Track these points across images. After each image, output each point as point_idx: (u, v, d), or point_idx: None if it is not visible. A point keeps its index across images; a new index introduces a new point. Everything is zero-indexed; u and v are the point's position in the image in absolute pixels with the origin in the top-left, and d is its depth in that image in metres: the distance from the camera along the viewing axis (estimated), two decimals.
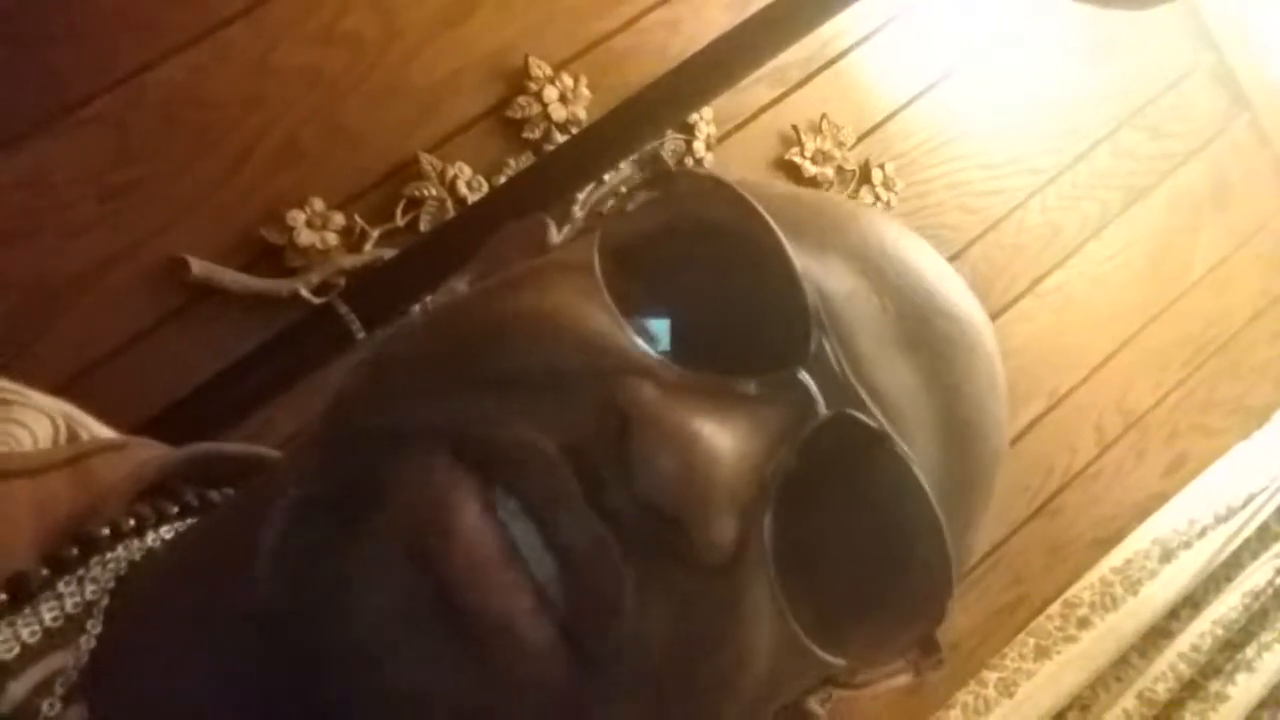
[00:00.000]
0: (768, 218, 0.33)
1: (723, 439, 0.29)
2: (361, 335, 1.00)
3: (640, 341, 0.31)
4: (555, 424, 0.30)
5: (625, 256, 0.34)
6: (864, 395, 0.32)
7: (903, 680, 0.37)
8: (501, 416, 0.30)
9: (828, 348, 0.32)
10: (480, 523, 0.28)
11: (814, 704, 0.40)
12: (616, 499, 0.29)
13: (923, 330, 0.35)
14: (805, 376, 0.31)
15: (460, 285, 0.43)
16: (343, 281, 1.17)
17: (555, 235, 0.44)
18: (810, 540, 0.32)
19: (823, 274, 0.34)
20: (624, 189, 1.31)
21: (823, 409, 0.31)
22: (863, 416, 0.32)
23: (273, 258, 1.16)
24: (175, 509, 0.40)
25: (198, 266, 1.11)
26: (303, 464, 0.33)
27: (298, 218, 1.16)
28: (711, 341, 0.33)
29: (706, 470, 0.29)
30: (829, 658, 0.32)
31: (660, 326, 0.33)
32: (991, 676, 1.53)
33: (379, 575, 0.28)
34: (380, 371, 0.35)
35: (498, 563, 0.28)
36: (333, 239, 1.18)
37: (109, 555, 0.37)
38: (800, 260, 0.33)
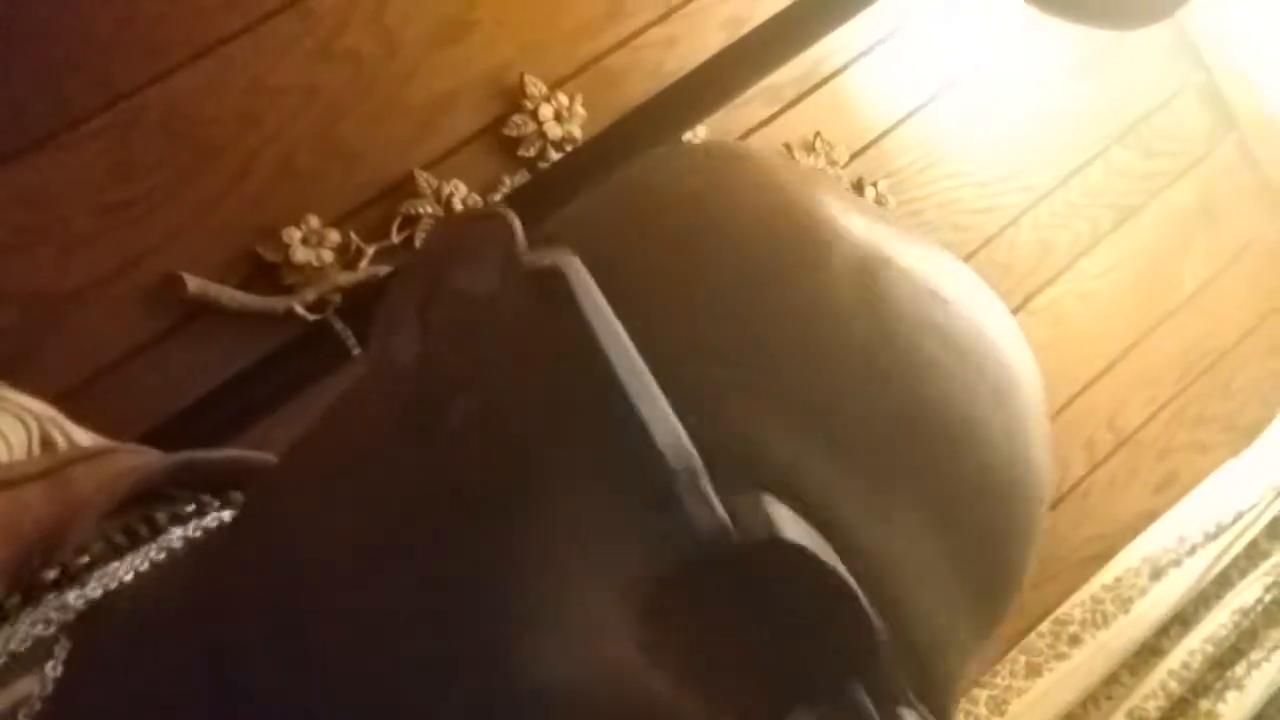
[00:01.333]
0: (858, 591, 0.27)
1: None
2: (358, 352, 1.01)
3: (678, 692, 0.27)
4: None
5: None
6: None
7: None
8: None
9: (899, 685, 0.27)
10: None
11: None
12: None
13: (990, 566, 0.30)
14: (861, 693, 0.27)
15: (405, 303, 0.32)
16: (338, 299, 1.17)
17: (522, 238, 0.33)
18: None
19: (886, 538, 0.28)
20: None
21: None
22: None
23: (268, 275, 1.17)
24: (145, 530, 0.39)
25: (193, 284, 1.11)
26: None
27: (293, 235, 1.17)
28: (769, 679, 0.28)
29: None
30: None
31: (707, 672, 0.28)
32: (982, 694, 1.53)
33: None
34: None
35: None
36: (328, 256, 1.18)
37: (77, 586, 0.36)
38: (860, 530, 0.27)
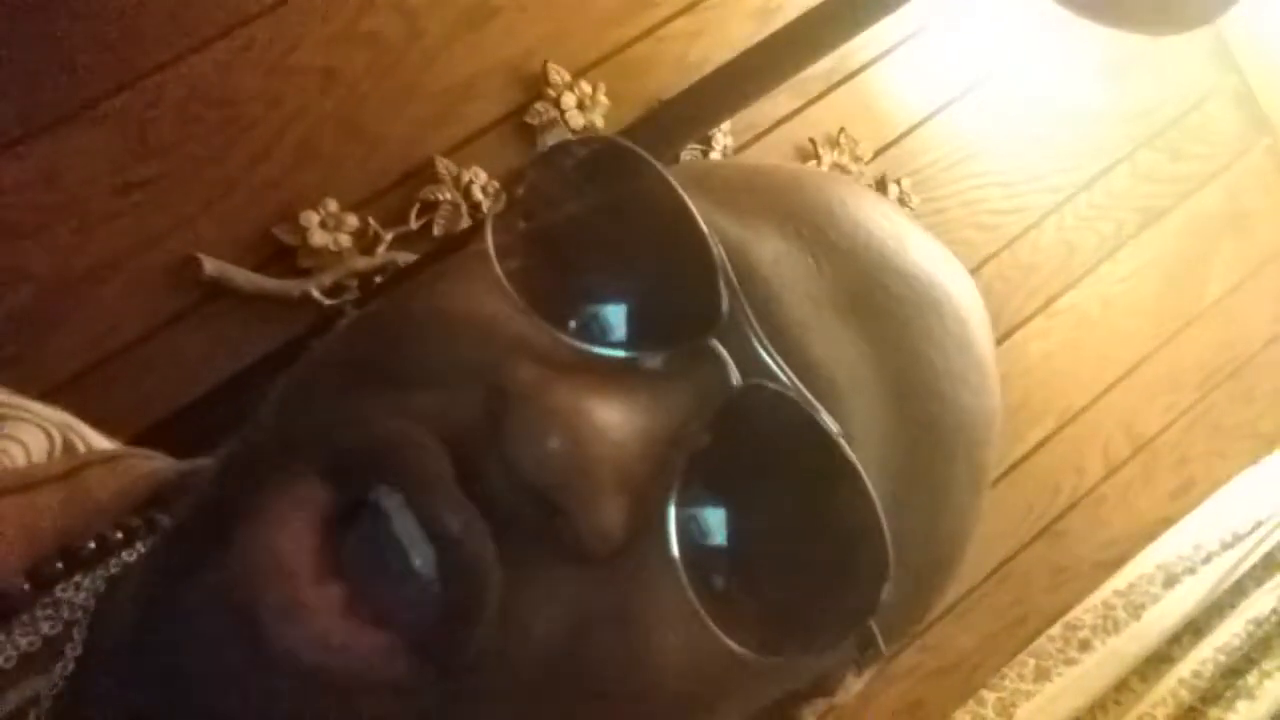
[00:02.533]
0: (664, 171, 0.31)
1: (613, 414, 0.27)
2: None
3: (539, 323, 0.29)
4: (439, 415, 0.28)
5: (527, 235, 0.31)
6: (778, 364, 0.29)
7: (851, 681, 0.35)
8: (383, 415, 0.28)
9: (743, 311, 0.29)
10: (304, 529, 0.26)
11: (807, 715, 0.37)
12: (496, 486, 0.27)
13: (869, 291, 0.32)
14: (717, 346, 0.29)
15: None
16: (355, 284, 1.17)
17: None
18: (725, 523, 0.30)
19: (750, 239, 0.31)
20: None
21: (735, 381, 0.29)
22: (780, 387, 0.29)
23: (285, 258, 1.16)
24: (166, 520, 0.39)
25: (210, 265, 1.11)
26: (200, 481, 0.32)
27: (311, 219, 1.16)
28: (617, 314, 0.31)
29: (591, 447, 0.26)
30: (753, 656, 0.29)
31: (560, 303, 0.30)
32: (990, 697, 1.52)
33: (201, 613, 0.26)
34: (282, 384, 0.33)
35: (314, 569, 0.26)
36: (346, 241, 1.18)
37: (90, 574, 0.36)
38: (723, 226, 0.31)
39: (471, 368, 0.29)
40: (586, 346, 0.29)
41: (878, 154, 1.50)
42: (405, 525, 0.26)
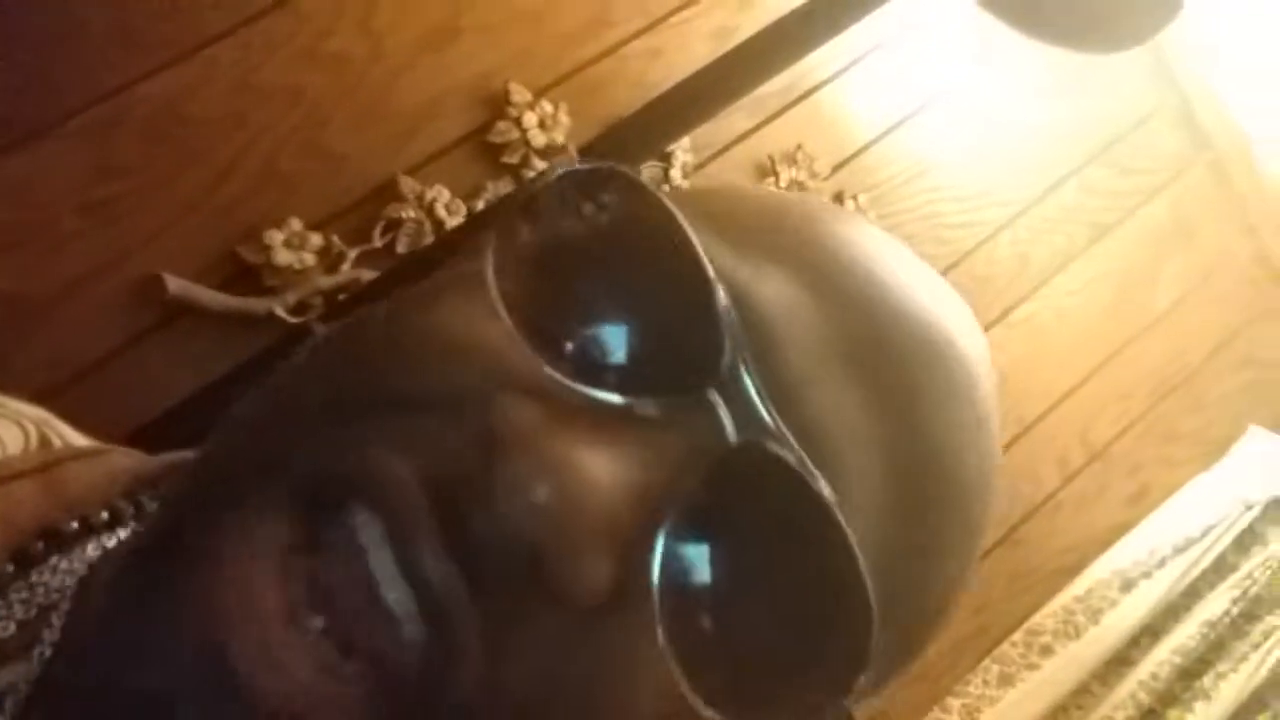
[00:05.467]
0: (673, 209, 0.29)
1: (603, 466, 0.26)
2: None
3: (533, 357, 0.28)
4: (423, 449, 0.27)
5: (529, 261, 0.30)
6: (776, 423, 0.28)
7: None
8: (362, 444, 0.27)
9: (742, 365, 0.28)
10: (274, 568, 0.25)
11: None
12: (479, 533, 0.26)
13: (876, 344, 0.31)
14: (715, 398, 0.28)
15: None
16: (320, 302, 1.17)
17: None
18: (710, 582, 0.28)
19: (755, 280, 0.30)
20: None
21: (731, 437, 0.28)
22: (774, 448, 0.28)
23: (250, 277, 1.16)
24: (131, 510, 0.38)
25: (174, 284, 1.11)
26: (166, 495, 0.31)
27: (275, 237, 1.16)
28: (614, 354, 0.29)
29: (579, 500, 0.26)
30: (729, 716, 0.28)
31: (556, 337, 0.29)
32: (955, 703, 1.54)
33: (169, 630, 0.26)
34: (253, 402, 0.31)
35: (280, 611, 0.25)
36: (310, 259, 1.18)
37: (70, 557, 0.35)
38: (725, 264, 0.29)
39: (461, 396, 0.28)
40: (583, 389, 0.28)
41: (835, 170, 1.53)
42: (382, 562, 0.26)
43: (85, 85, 1.09)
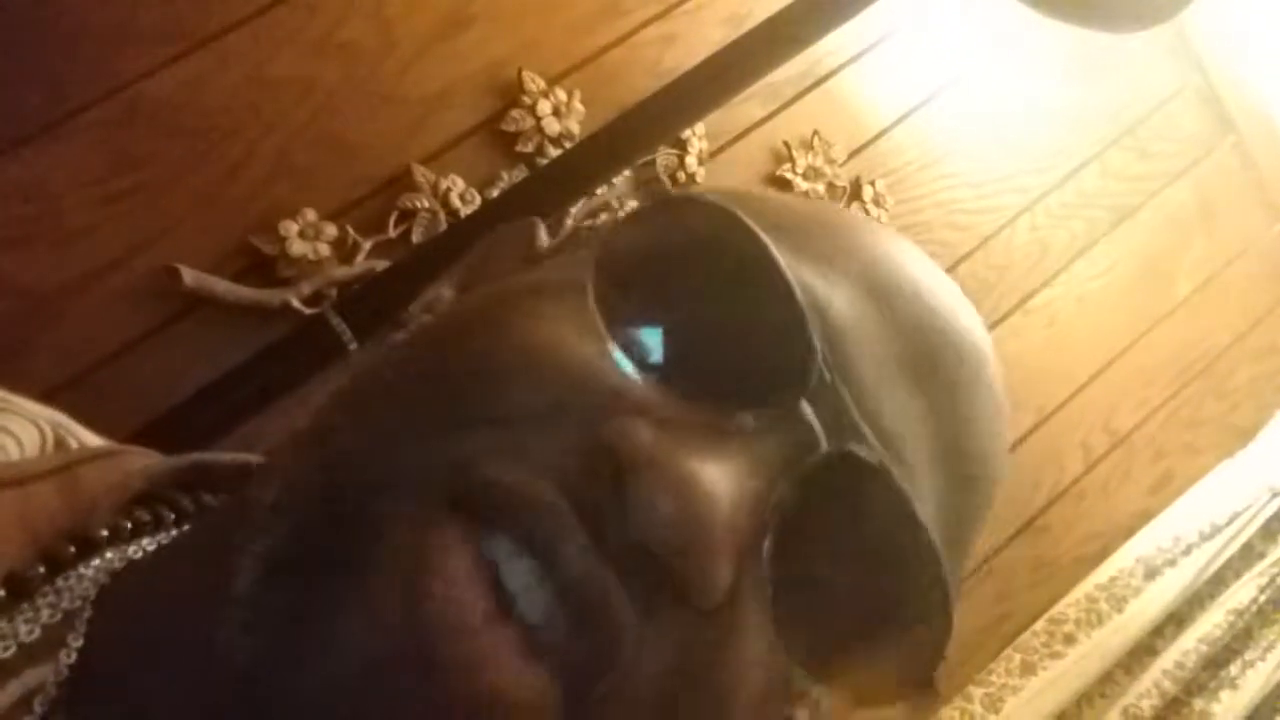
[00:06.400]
0: (763, 237, 0.32)
1: (721, 479, 0.29)
2: (354, 346, 1.01)
3: (634, 372, 0.31)
4: (549, 465, 0.29)
5: (619, 278, 0.33)
6: (866, 430, 0.31)
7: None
8: (494, 459, 0.29)
9: (829, 377, 0.31)
10: (470, 574, 0.27)
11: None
12: (616, 542, 0.28)
13: (930, 358, 0.34)
14: (806, 409, 0.31)
15: (446, 291, 0.43)
16: (334, 292, 1.17)
17: (544, 239, 0.44)
18: (807, 573, 0.32)
19: (828, 295, 0.33)
20: (617, 205, 1.31)
21: (824, 444, 0.31)
22: (864, 453, 0.31)
23: (265, 268, 1.16)
24: (171, 515, 0.40)
25: (190, 276, 1.11)
26: (279, 502, 0.31)
27: (290, 228, 1.16)
28: (709, 370, 0.32)
29: (705, 513, 0.28)
30: (823, 689, 0.32)
31: (656, 355, 0.32)
32: (977, 692, 1.53)
33: (361, 638, 0.27)
34: (363, 406, 0.33)
35: (486, 614, 0.27)
36: (325, 250, 1.18)
37: (97, 561, 0.36)
38: (803, 279, 0.32)
39: (576, 415, 0.30)
40: (688, 405, 0.30)
41: (851, 156, 1.51)
42: (520, 576, 0.28)
43: (98, 78, 1.09)
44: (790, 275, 0.31)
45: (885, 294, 0.34)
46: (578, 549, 0.28)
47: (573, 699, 0.28)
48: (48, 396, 0.46)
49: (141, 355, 1.11)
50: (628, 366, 0.31)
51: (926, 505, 0.32)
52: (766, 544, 0.30)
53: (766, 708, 0.33)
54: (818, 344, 0.31)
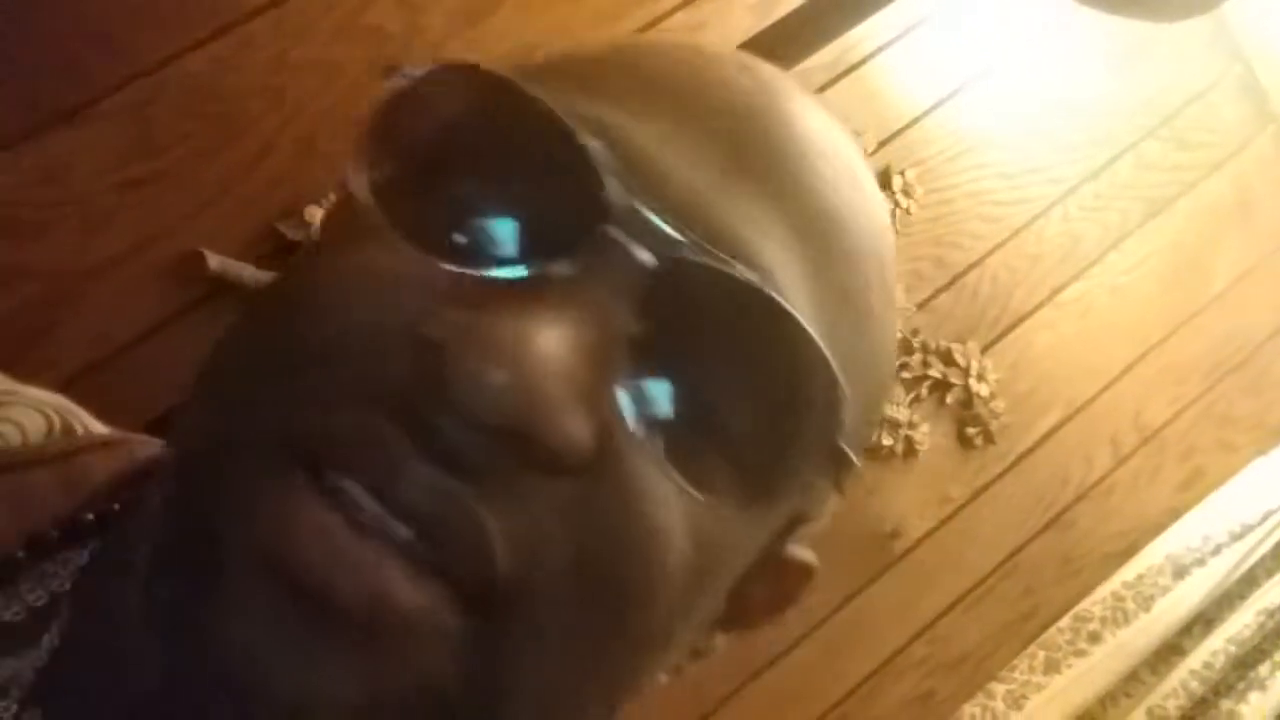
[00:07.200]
0: (518, 82, 0.30)
1: (547, 332, 0.27)
2: None
3: (439, 264, 0.29)
4: (381, 388, 0.28)
5: (396, 181, 0.31)
6: (690, 236, 0.29)
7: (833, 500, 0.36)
8: (325, 402, 0.28)
9: (630, 202, 0.29)
10: (324, 516, 0.26)
11: (795, 549, 0.38)
12: (453, 435, 0.27)
13: (756, 146, 0.33)
14: (617, 233, 0.29)
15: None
16: None
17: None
18: (686, 400, 0.30)
19: (628, 124, 0.31)
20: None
21: (648, 260, 0.29)
22: (693, 256, 0.29)
23: (289, 253, 1.16)
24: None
25: (214, 261, 1.11)
26: (158, 496, 0.31)
27: (316, 213, 1.16)
28: (516, 236, 0.31)
29: (538, 368, 0.27)
30: (750, 509, 0.31)
31: (450, 235, 0.30)
32: (1000, 689, 1.52)
33: (244, 607, 0.26)
34: (206, 380, 0.32)
35: (353, 541, 0.26)
36: None
37: (84, 549, 0.36)
38: (603, 116, 0.31)
39: (392, 328, 0.29)
40: (493, 273, 0.29)
41: (881, 145, 1.49)
42: (375, 515, 0.27)
43: (122, 63, 1.10)
44: (543, 100, 0.29)
45: (694, 102, 0.33)
46: (410, 467, 0.27)
47: (477, 617, 0.28)
48: (70, 381, 0.45)
49: (166, 340, 1.11)
50: (431, 262, 0.29)
51: (787, 285, 0.31)
52: (623, 383, 0.29)
53: (702, 545, 0.31)
54: (603, 165, 0.29)
